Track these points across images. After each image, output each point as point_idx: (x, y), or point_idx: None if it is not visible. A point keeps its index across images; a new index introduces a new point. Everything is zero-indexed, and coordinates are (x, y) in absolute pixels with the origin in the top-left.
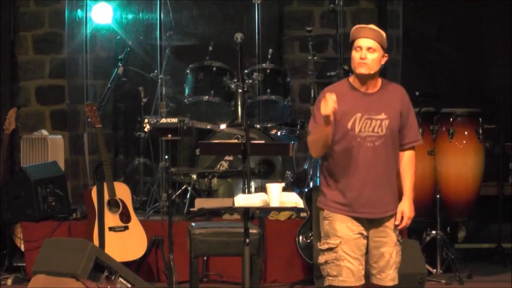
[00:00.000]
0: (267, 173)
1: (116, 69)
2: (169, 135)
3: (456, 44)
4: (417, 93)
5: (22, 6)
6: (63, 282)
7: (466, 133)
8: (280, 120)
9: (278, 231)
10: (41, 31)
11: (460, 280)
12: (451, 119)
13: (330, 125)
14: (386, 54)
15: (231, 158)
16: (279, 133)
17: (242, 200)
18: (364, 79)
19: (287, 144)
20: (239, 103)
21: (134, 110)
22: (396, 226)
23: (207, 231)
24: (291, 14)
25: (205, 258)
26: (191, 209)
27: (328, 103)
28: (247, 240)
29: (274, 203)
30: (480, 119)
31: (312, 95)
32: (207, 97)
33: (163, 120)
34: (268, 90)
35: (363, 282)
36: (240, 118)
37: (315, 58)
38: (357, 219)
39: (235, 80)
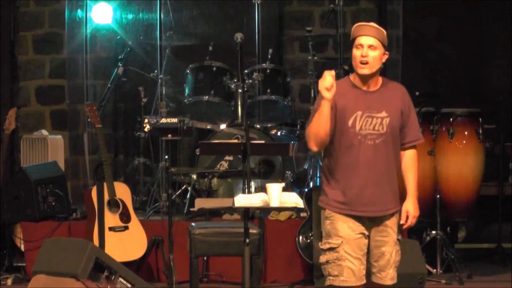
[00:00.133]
0: (267, 173)
1: (116, 69)
2: (169, 135)
3: (456, 44)
4: (417, 93)
5: (22, 6)
6: (63, 282)
7: (466, 133)
8: (280, 120)
9: (278, 231)
10: (41, 31)
11: (460, 280)
12: (451, 119)
13: (329, 103)
14: (387, 52)
15: (231, 158)
16: (279, 133)
17: (242, 200)
18: (365, 77)
19: (287, 144)
20: (239, 103)
21: (134, 110)
22: (401, 225)
23: (207, 231)
24: (291, 14)
25: (205, 258)
26: (191, 209)
27: (326, 78)
28: (247, 240)
29: (274, 203)
30: (480, 119)
31: (312, 95)
32: (207, 97)
33: (163, 120)
34: (268, 90)
35: (364, 281)
36: (240, 118)
37: (315, 58)
38: (358, 218)
39: (235, 80)
